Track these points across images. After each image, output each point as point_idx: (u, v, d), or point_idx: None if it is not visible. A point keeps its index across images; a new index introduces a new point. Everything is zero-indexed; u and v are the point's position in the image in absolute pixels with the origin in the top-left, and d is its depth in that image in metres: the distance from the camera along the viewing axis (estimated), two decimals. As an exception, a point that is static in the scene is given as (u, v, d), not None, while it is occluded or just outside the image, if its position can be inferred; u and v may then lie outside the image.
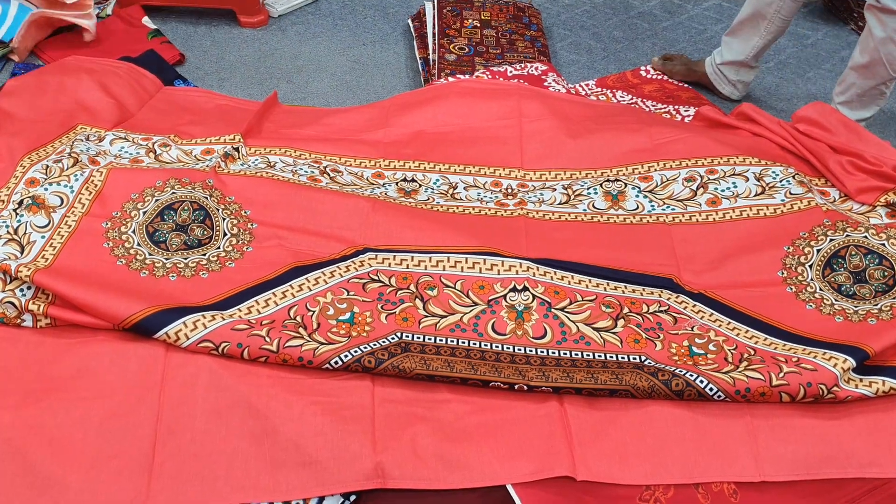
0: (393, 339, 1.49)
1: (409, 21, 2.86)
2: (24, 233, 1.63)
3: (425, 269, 1.66)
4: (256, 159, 1.95)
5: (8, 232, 1.62)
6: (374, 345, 1.47)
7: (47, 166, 1.77)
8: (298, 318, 1.52)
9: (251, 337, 1.44)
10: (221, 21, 2.79)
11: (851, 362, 1.44)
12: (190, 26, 2.76)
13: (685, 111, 2.45)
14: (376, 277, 1.63)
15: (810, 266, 1.72)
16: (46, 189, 1.71)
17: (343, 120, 2.19)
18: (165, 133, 2.02)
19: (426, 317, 1.56)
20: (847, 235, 1.74)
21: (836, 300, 1.65)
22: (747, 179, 1.90)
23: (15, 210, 1.66)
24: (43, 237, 1.63)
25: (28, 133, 1.88)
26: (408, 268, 1.66)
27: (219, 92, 2.39)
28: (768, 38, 2.33)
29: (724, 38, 2.47)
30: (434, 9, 2.79)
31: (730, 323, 1.59)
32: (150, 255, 1.63)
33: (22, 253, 1.59)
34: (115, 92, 2.10)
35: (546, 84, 2.37)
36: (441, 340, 1.50)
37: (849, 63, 2.20)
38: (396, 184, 1.94)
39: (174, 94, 2.28)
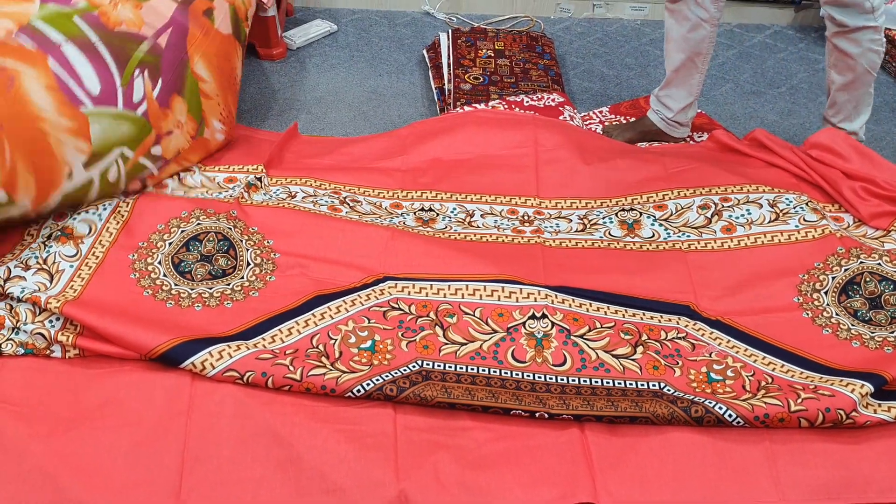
0: (414, 367, 1.51)
1: (424, 52, 2.91)
2: (54, 262, 1.67)
3: (444, 297, 1.69)
4: (278, 189, 1.99)
5: (37, 262, 1.66)
6: (396, 373, 1.49)
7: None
8: (321, 347, 1.55)
9: (275, 366, 1.47)
10: (241, 53, 2.85)
11: (869, 388, 1.45)
12: (210, 59, 2.81)
13: (698, 136, 2.48)
14: (396, 305, 1.66)
15: (826, 292, 1.73)
16: (75, 219, 1.76)
17: (361, 149, 2.23)
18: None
19: (446, 344, 1.58)
20: (861, 262, 1.76)
21: (852, 325, 1.66)
22: (761, 206, 1.92)
23: (44, 242, 1.71)
24: (72, 266, 1.67)
25: None
26: (427, 296, 1.69)
27: (240, 123, 2.44)
28: (706, 69, 2.32)
29: (661, 93, 2.37)
30: (449, 39, 2.84)
31: (747, 349, 1.61)
32: (175, 285, 1.67)
33: (51, 282, 1.63)
34: None
35: (562, 116, 2.40)
36: (461, 368, 1.52)
37: (831, 88, 2.18)
38: (414, 213, 1.97)
39: (196, 126, 2.33)
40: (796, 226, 1.86)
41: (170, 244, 1.75)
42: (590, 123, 2.55)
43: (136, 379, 1.49)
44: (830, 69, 2.15)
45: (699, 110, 2.60)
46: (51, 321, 1.55)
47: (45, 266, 1.66)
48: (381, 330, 1.60)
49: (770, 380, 1.52)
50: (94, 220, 1.77)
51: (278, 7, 2.83)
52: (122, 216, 1.79)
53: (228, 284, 1.69)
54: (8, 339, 1.53)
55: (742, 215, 1.91)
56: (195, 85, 1.97)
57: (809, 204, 1.90)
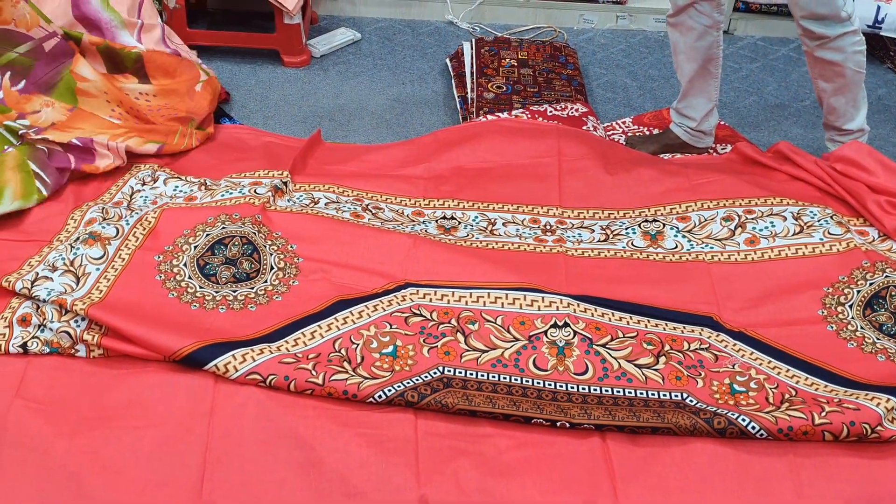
0: (435, 373, 1.51)
1: (448, 60, 2.92)
2: (80, 265, 1.69)
3: (466, 304, 1.69)
4: (301, 195, 2.00)
5: (64, 263, 1.68)
6: (417, 380, 1.49)
7: (105, 209, 1.84)
8: (343, 352, 1.56)
9: (298, 370, 1.48)
10: (266, 61, 2.87)
11: (895, 402, 1.43)
12: (235, 66, 2.84)
13: (721, 149, 2.47)
14: (418, 312, 1.66)
15: (850, 306, 1.72)
16: (104, 227, 1.78)
17: (384, 156, 2.24)
18: (212, 168, 2.10)
19: (467, 351, 1.58)
20: (886, 276, 1.75)
21: (877, 339, 1.64)
22: (785, 219, 1.91)
23: (71, 245, 1.73)
24: (98, 269, 1.68)
25: (84, 186, 1.99)
26: (448, 303, 1.69)
27: (263, 129, 2.46)
28: (719, 72, 2.32)
29: (680, 105, 2.37)
30: (472, 49, 2.85)
31: (770, 362, 1.60)
32: (200, 287, 1.68)
33: (77, 284, 1.64)
34: None
35: (585, 127, 2.40)
36: (483, 376, 1.52)
37: (824, 97, 2.17)
38: (436, 221, 1.97)
39: (221, 132, 2.36)
40: (821, 239, 1.85)
41: (195, 247, 1.76)
42: (613, 134, 2.55)
43: (160, 380, 1.50)
44: (817, 80, 2.15)
45: (722, 122, 2.60)
46: (76, 320, 1.57)
47: (71, 268, 1.68)
48: (403, 335, 1.61)
49: (794, 392, 1.51)
50: (122, 225, 1.80)
51: (303, 15, 2.86)
52: (150, 223, 1.81)
53: (252, 288, 1.70)
54: (34, 338, 1.55)
55: (766, 227, 1.90)
56: (71, 83, 2.17)
57: (834, 217, 1.89)
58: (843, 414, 1.41)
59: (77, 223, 1.83)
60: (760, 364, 1.59)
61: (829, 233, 1.85)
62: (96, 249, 1.72)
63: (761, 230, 1.90)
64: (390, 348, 1.58)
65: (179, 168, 2.12)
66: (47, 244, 1.77)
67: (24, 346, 1.54)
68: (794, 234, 1.88)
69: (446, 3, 3.24)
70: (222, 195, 1.93)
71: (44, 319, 1.56)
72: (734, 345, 1.64)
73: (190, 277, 1.70)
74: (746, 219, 1.94)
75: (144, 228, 1.80)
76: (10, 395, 1.46)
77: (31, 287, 1.61)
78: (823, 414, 1.42)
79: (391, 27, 3.19)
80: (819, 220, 1.89)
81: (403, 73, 2.89)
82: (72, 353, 1.55)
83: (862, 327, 1.67)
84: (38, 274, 1.65)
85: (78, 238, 1.75)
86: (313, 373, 1.47)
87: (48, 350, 1.54)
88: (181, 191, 1.98)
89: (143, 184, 2.01)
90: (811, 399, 1.48)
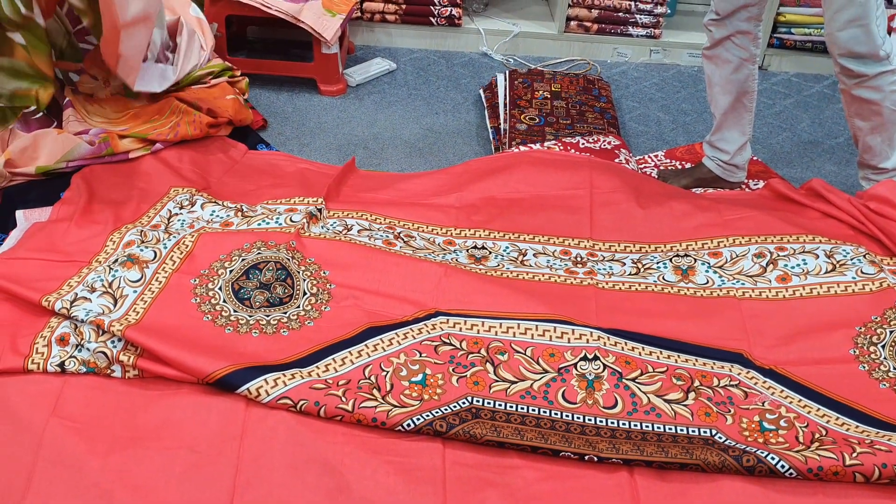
0: (464, 403, 1.52)
1: (481, 91, 2.96)
2: (118, 287, 1.72)
3: (496, 334, 1.70)
4: (335, 222, 2.03)
5: (103, 285, 1.72)
6: (446, 409, 1.50)
7: (143, 231, 1.88)
8: (372, 379, 1.57)
9: (328, 396, 1.49)
10: (303, 89, 2.93)
11: (928, 445, 1.41)
12: (273, 93, 2.90)
13: (754, 184, 2.47)
14: (448, 341, 1.68)
15: (883, 346, 1.70)
16: (142, 250, 1.82)
17: (416, 185, 2.27)
18: (248, 193, 2.14)
19: (497, 381, 1.59)
20: (921, 317, 1.73)
21: (911, 381, 1.63)
22: (817, 257, 1.90)
23: (110, 266, 1.77)
24: (135, 291, 1.72)
25: (126, 209, 2.04)
26: (478, 333, 1.70)
27: (299, 156, 2.51)
28: (753, 106, 2.32)
29: (713, 139, 2.38)
30: (506, 80, 2.88)
31: (801, 400, 1.58)
32: (234, 311, 1.71)
33: (115, 305, 1.68)
34: (203, 165, 2.29)
35: (618, 159, 2.42)
36: (511, 407, 1.53)
37: (859, 136, 2.15)
38: (467, 251, 1.99)
39: (257, 158, 2.41)
40: (853, 277, 1.84)
41: (231, 271, 1.80)
42: (645, 167, 2.56)
43: (193, 402, 1.52)
44: (853, 118, 2.14)
45: (755, 157, 2.59)
46: (113, 341, 1.60)
47: (109, 289, 1.72)
48: (433, 364, 1.62)
49: (824, 432, 1.49)
50: (160, 248, 1.84)
51: (340, 45, 2.91)
52: (187, 247, 1.85)
53: (285, 313, 1.72)
54: (71, 357, 1.58)
55: (798, 265, 1.90)
56: None
57: (867, 256, 1.88)
58: (875, 455, 1.40)
59: (116, 245, 1.87)
60: (791, 402, 1.58)
61: (861, 272, 1.84)
62: (134, 272, 1.76)
63: (793, 268, 1.89)
64: (420, 376, 1.59)
65: (217, 193, 2.16)
66: (86, 265, 1.81)
67: (61, 365, 1.57)
68: (826, 273, 1.87)
69: (481, 36, 3.29)
70: (259, 224, 1.96)
71: (81, 339, 1.60)
72: (764, 382, 1.63)
73: (225, 301, 1.73)
74: (778, 256, 1.93)
75: (182, 252, 1.83)
76: (47, 413, 1.49)
77: (70, 307, 1.65)
78: (854, 455, 1.40)
79: (426, 58, 3.24)
80: (852, 259, 1.87)
81: (437, 103, 2.93)
82: (108, 373, 1.58)
83: (895, 368, 1.65)
84: (77, 294, 1.69)
85: (116, 260, 1.79)
86: (343, 399, 1.49)
87: (85, 370, 1.57)
88: (218, 216, 2.02)
89: (181, 207, 2.05)
90: (842, 439, 1.47)
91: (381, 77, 3.08)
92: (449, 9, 3.24)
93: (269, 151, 2.50)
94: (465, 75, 3.14)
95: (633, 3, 3.21)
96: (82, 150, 2.17)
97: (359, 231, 1.99)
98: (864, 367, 1.66)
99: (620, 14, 3.24)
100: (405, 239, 1.99)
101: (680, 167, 2.57)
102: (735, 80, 2.21)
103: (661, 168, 2.55)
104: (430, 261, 1.88)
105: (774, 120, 2.91)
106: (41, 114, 2.27)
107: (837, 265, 1.88)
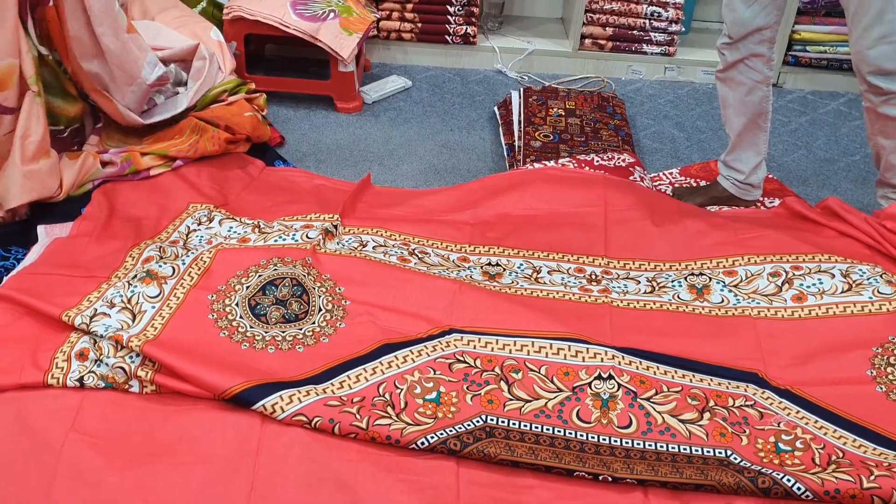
0: (478, 422, 1.52)
1: (496, 108, 2.97)
2: (137, 302, 1.74)
3: (510, 352, 1.70)
4: (350, 238, 2.04)
5: (122, 300, 1.74)
6: (460, 428, 1.50)
7: (162, 247, 1.90)
8: (387, 396, 1.58)
9: (343, 413, 1.50)
10: (319, 106, 2.96)
11: (947, 468, 1.41)
12: (290, 110, 2.93)
13: (770, 202, 2.46)
14: (462, 358, 1.68)
15: (900, 366, 1.70)
16: (161, 266, 1.84)
17: (431, 201, 2.28)
18: (265, 209, 2.16)
19: (511, 400, 1.59)
20: (939, 337, 1.72)
21: (929, 402, 1.62)
22: (833, 276, 1.90)
23: (129, 282, 1.79)
24: (153, 307, 1.74)
25: (145, 224, 2.06)
26: (493, 350, 1.71)
27: (315, 172, 2.53)
28: (768, 126, 2.31)
29: (728, 158, 2.37)
30: (520, 97, 2.90)
31: (817, 421, 1.58)
32: (251, 327, 1.73)
33: (133, 321, 1.70)
34: (222, 181, 2.32)
35: (632, 177, 2.42)
36: (525, 426, 1.53)
37: (882, 154, 2.13)
38: (481, 267, 2.00)
39: (275, 175, 2.43)
40: (870, 297, 1.83)
41: (247, 287, 1.81)
42: (659, 185, 2.56)
43: (209, 417, 1.53)
44: (876, 136, 2.11)
45: (770, 175, 2.59)
46: (131, 356, 1.61)
47: (128, 305, 1.73)
48: (447, 382, 1.62)
49: (841, 454, 1.49)
50: (178, 264, 1.85)
51: (357, 63, 2.94)
52: (205, 262, 1.86)
53: (300, 329, 1.74)
54: (90, 372, 1.60)
55: (813, 284, 1.89)
56: None
57: (884, 276, 1.87)
58: (893, 478, 1.39)
59: (135, 261, 1.89)
60: (807, 423, 1.57)
61: (878, 292, 1.83)
62: (152, 288, 1.78)
63: (809, 287, 1.89)
64: (434, 394, 1.59)
65: (234, 209, 2.18)
66: (106, 280, 1.83)
67: (80, 380, 1.59)
68: (842, 292, 1.86)
69: (496, 53, 3.31)
70: (275, 240, 1.98)
71: (100, 354, 1.61)
72: (780, 402, 1.62)
73: (241, 317, 1.75)
74: (794, 275, 1.93)
75: (199, 268, 1.85)
76: (66, 428, 1.51)
77: (90, 323, 1.67)
78: (872, 478, 1.40)
79: (441, 75, 3.26)
80: (868, 279, 1.87)
81: (452, 119, 2.95)
82: (126, 388, 1.59)
83: (912, 389, 1.65)
84: (96, 310, 1.71)
85: (135, 276, 1.81)
86: (357, 416, 1.50)
87: (103, 385, 1.59)
88: (235, 232, 2.04)
89: (199, 223, 2.07)
90: (859, 462, 1.46)
91: (397, 94, 3.10)
92: (464, 27, 3.26)
93: (286, 168, 2.52)
94: (479, 92, 3.16)
95: (647, 21, 3.22)
96: (105, 170, 2.20)
97: (374, 247, 2.00)
98: (881, 389, 1.66)
99: (635, 32, 3.25)
100: (420, 255, 2.00)
101: (695, 185, 2.57)
102: (749, 103, 2.22)
103: (676, 185, 2.55)
104: (445, 277, 1.89)
105: (790, 138, 2.90)
106: (66, 133, 2.29)
107: (854, 285, 1.87)
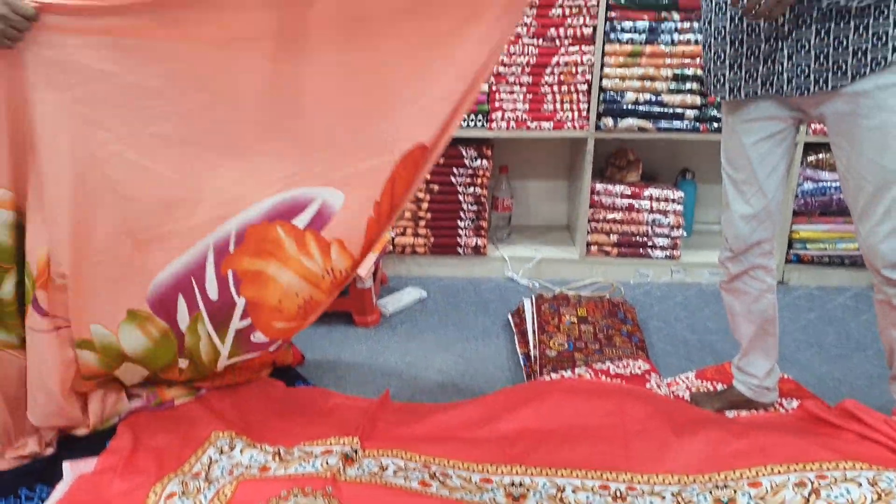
0: None
1: (510, 316, 3.05)
2: (159, 541, 1.73)
3: (537, 581, 1.66)
4: (370, 461, 2.05)
5: (143, 540, 1.73)
6: None
7: (184, 482, 1.92)
8: None
9: None
10: (339, 322, 3.05)
11: None
12: (311, 327, 3.00)
13: (787, 403, 2.47)
14: (488, 589, 1.64)
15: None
16: (183, 502, 1.85)
17: (450, 417, 2.30)
18: (286, 433, 2.19)
19: None
20: (975, 548, 1.67)
21: None
22: (860, 485, 1.87)
23: (152, 519, 1.79)
24: (175, 544, 1.73)
25: (168, 456, 2.08)
26: (519, 579, 1.67)
27: (335, 389, 2.57)
28: (777, 331, 2.33)
29: (741, 363, 2.39)
30: (532, 305, 2.98)
31: None
32: (273, 566, 1.70)
33: (155, 561, 1.68)
34: (244, 407, 2.36)
35: (648, 384, 2.45)
36: None
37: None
38: (504, 488, 1.98)
39: (294, 395, 2.48)
40: (900, 507, 1.80)
41: (269, 523, 1.80)
42: (676, 389, 2.58)
43: None
44: (890, 330, 2.10)
45: (786, 375, 2.61)
46: None
47: (150, 543, 1.73)
48: None
49: None
50: (200, 499, 1.86)
51: (374, 278, 3.06)
52: (226, 496, 1.87)
53: (323, 565, 1.71)
54: None
55: (841, 495, 1.86)
56: None
57: (912, 483, 1.85)
58: None
59: (158, 496, 1.90)
60: None
61: (908, 501, 1.80)
62: (175, 525, 1.78)
63: (837, 498, 1.86)
64: None
65: (256, 434, 2.21)
66: None
67: None
68: (871, 503, 1.83)
69: (506, 262, 3.44)
70: (295, 469, 1.99)
71: None
72: None
73: (263, 554, 1.73)
74: (820, 485, 1.90)
75: (221, 502, 1.85)
76: None
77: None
78: None
79: (454, 285, 3.38)
80: (896, 488, 1.84)
81: (467, 329, 3.03)
82: None
83: None
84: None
85: (158, 512, 1.81)
86: None
87: None
88: (256, 460, 2.05)
89: (221, 452, 2.09)
90: None
91: (413, 305, 3.20)
92: (474, 239, 3.42)
93: (305, 387, 2.57)
94: (492, 300, 3.25)
95: (650, 227, 3.37)
96: (132, 404, 2.26)
97: (394, 472, 2.01)
98: None
99: (638, 238, 3.39)
100: (441, 478, 2.00)
101: (712, 388, 2.59)
102: (756, 311, 2.28)
103: (693, 391, 2.57)
104: (468, 502, 1.88)
105: (800, 335, 2.94)
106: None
107: (883, 494, 1.84)
